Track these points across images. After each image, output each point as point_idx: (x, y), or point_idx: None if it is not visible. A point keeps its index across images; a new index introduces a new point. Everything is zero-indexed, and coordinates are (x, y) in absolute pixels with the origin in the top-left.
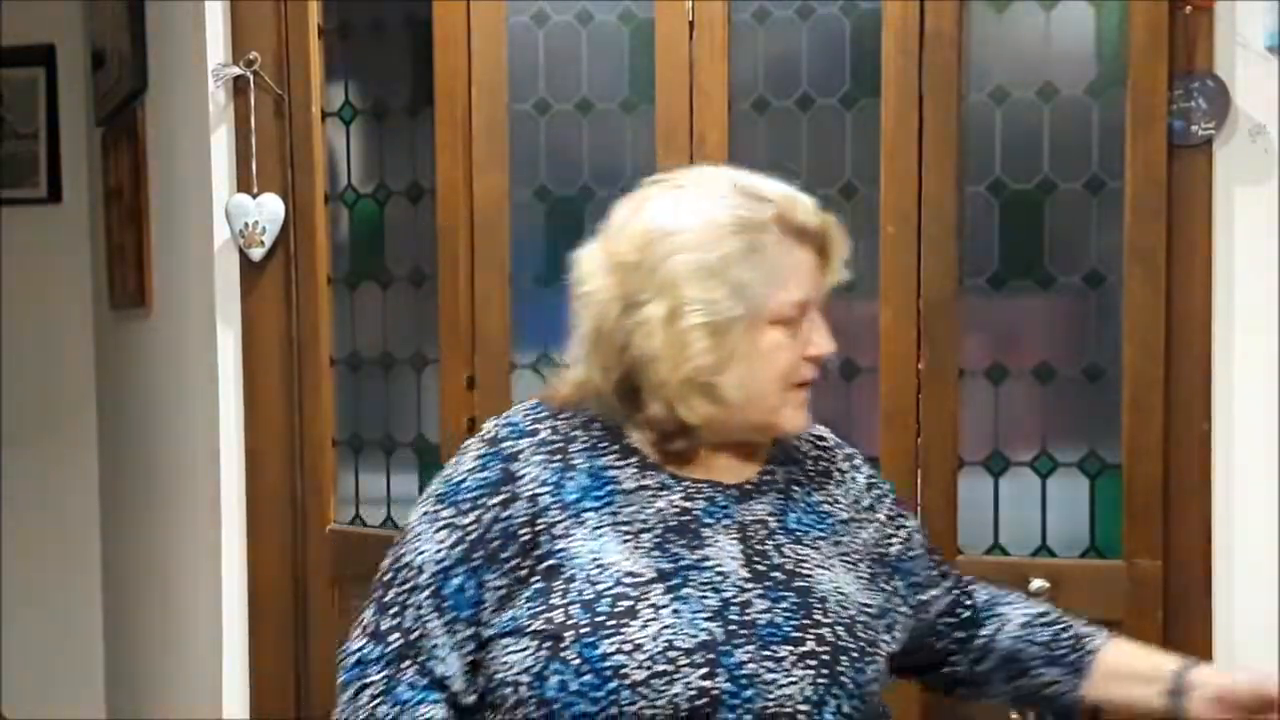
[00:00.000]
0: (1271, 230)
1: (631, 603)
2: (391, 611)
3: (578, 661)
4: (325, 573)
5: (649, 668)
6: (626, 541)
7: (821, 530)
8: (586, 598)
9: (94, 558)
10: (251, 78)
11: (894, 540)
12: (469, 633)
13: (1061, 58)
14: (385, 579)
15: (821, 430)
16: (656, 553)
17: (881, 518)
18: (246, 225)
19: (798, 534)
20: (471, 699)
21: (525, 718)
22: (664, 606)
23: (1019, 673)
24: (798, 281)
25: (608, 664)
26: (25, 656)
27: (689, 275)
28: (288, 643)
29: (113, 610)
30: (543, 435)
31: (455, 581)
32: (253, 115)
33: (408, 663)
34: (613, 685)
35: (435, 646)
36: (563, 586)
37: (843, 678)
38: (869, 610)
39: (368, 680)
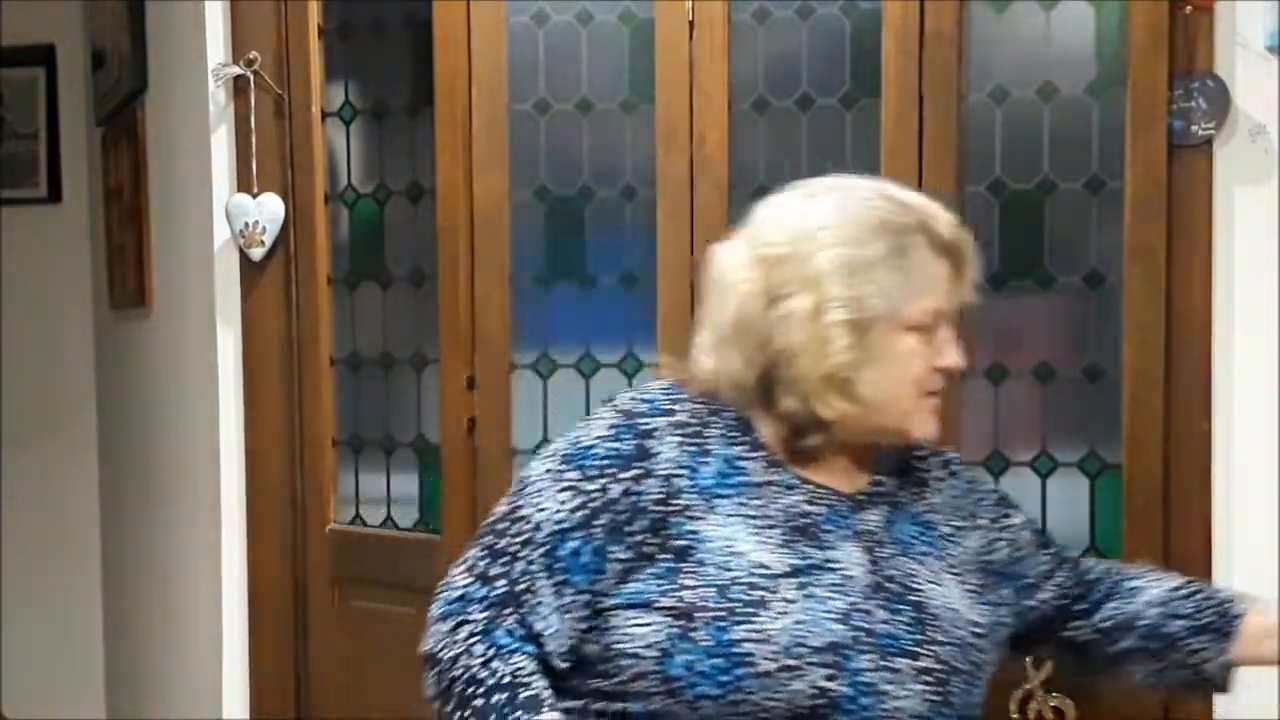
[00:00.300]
0: (1271, 230)
1: (763, 593)
2: (502, 560)
3: (708, 643)
4: (325, 572)
5: (776, 660)
6: (755, 534)
7: (926, 543)
8: (720, 582)
9: (94, 557)
10: (251, 77)
11: (999, 545)
12: (577, 599)
13: (1061, 58)
14: (499, 526)
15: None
16: (784, 549)
17: (985, 522)
18: (247, 225)
19: (905, 546)
20: (563, 664)
21: (643, 691)
22: (794, 602)
23: (1166, 647)
24: (935, 291)
25: (737, 650)
26: (25, 656)
27: (835, 271)
28: (288, 642)
29: (113, 610)
30: (680, 417)
31: (571, 545)
32: (253, 115)
33: (510, 610)
34: (739, 671)
35: (540, 604)
36: (694, 568)
37: (952, 697)
38: (977, 630)
39: (469, 617)
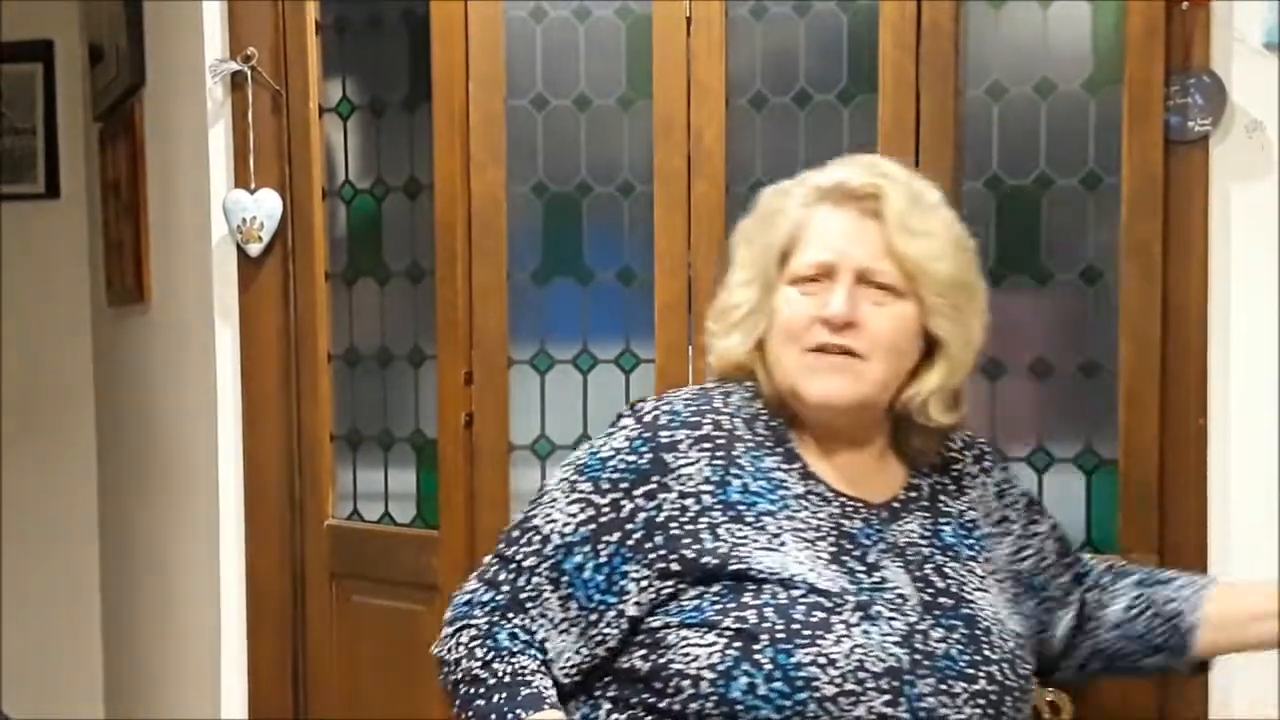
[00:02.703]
0: (1268, 226)
1: (825, 615)
2: (510, 567)
3: (770, 666)
4: (323, 568)
5: (839, 685)
6: (807, 548)
7: (972, 545)
8: (780, 602)
9: (92, 553)
10: (249, 73)
11: (1027, 554)
12: (586, 615)
13: (1058, 54)
14: (512, 534)
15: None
16: (835, 566)
17: (1017, 529)
18: (244, 221)
19: (955, 550)
20: (566, 679)
21: (700, 712)
22: (855, 625)
23: (1130, 668)
24: (821, 244)
25: (801, 674)
26: (23, 653)
27: (737, 239)
28: (285, 637)
29: (111, 606)
30: (705, 430)
31: (576, 560)
32: (250, 111)
33: (513, 614)
34: (802, 696)
35: (544, 614)
36: (754, 589)
37: (1004, 718)
38: (1021, 641)
39: (473, 620)
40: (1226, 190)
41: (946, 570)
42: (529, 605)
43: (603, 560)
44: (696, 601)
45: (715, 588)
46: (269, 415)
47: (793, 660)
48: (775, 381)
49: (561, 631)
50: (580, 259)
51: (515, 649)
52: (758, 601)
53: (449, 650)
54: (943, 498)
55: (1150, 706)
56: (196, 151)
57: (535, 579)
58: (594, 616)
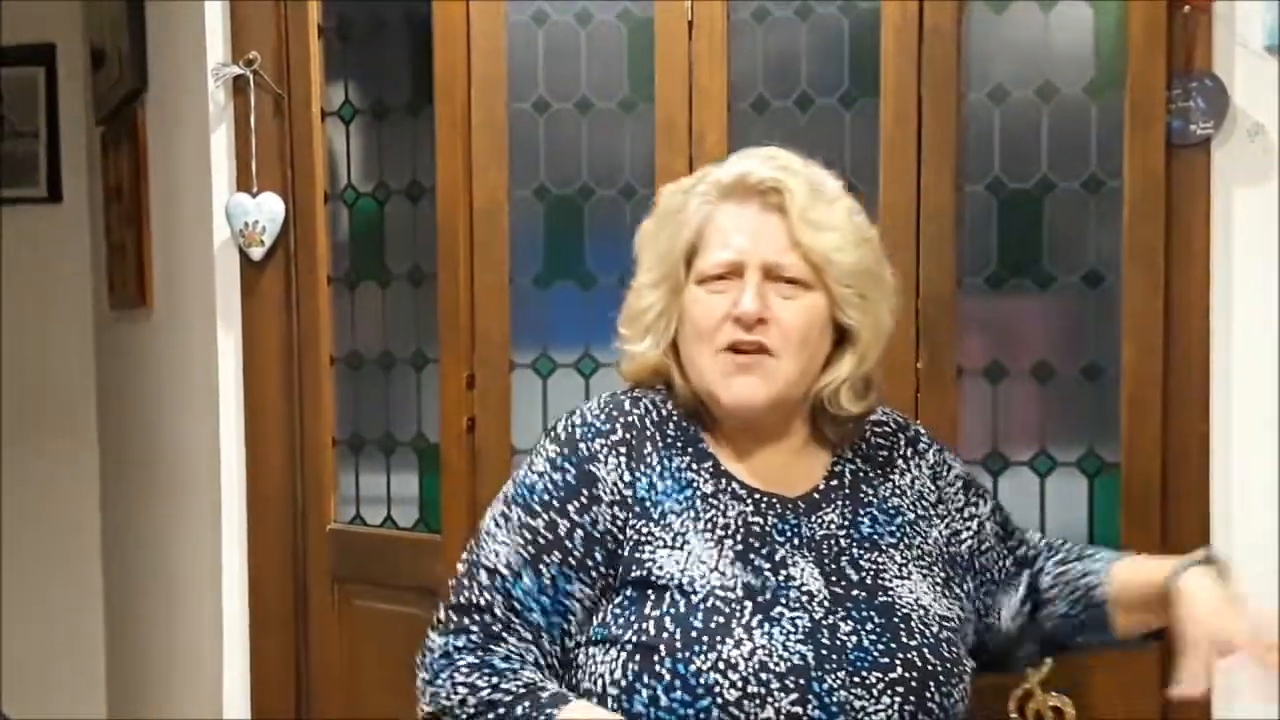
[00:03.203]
0: (1270, 230)
1: (724, 619)
2: (469, 610)
3: (669, 677)
4: (325, 572)
5: (741, 688)
6: (711, 548)
7: (894, 532)
8: (679, 611)
9: (94, 557)
10: (251, 77)
11: (965, 536)
12: (544, 637)
13: (1060, 57)
14: (461, 583)
15: (881, 414)
16: (740, 564)
17: (951, 510)
18: (246, 224)
19: (872, 539)
20: None
21: None
22: (756, 627)
23: (1065, 646)
24: (728, 241)
25: (701, 681)
26: (26, 656)
27: (641, 240)
28: (288, 641)
29: (113, 609)
30: (619, 434)
31: (524, 585)
32: (252, 114)
33: (497, 644)
34: (705, 703)
35: (515, 639)
36: (654, 596)
37: (929, 703)
38: (949, 625)
39: (458, 662)
40: (1228, 194)
41: (862, 561)
42: (505, 634)
43: (546, 582)
44: (603, 615)
45: (618, 599)
46: (271, 419)
47: (692, 668)
48: (691, 383)
49: (529, 646)
50: (582, 263)
51: (516, 667)
52: (657, 612)
53: (447, 696)
54: (864, 485)
55: (1153, 709)
56: (199, 155)
57: (498, 611)
58: (544, 640)
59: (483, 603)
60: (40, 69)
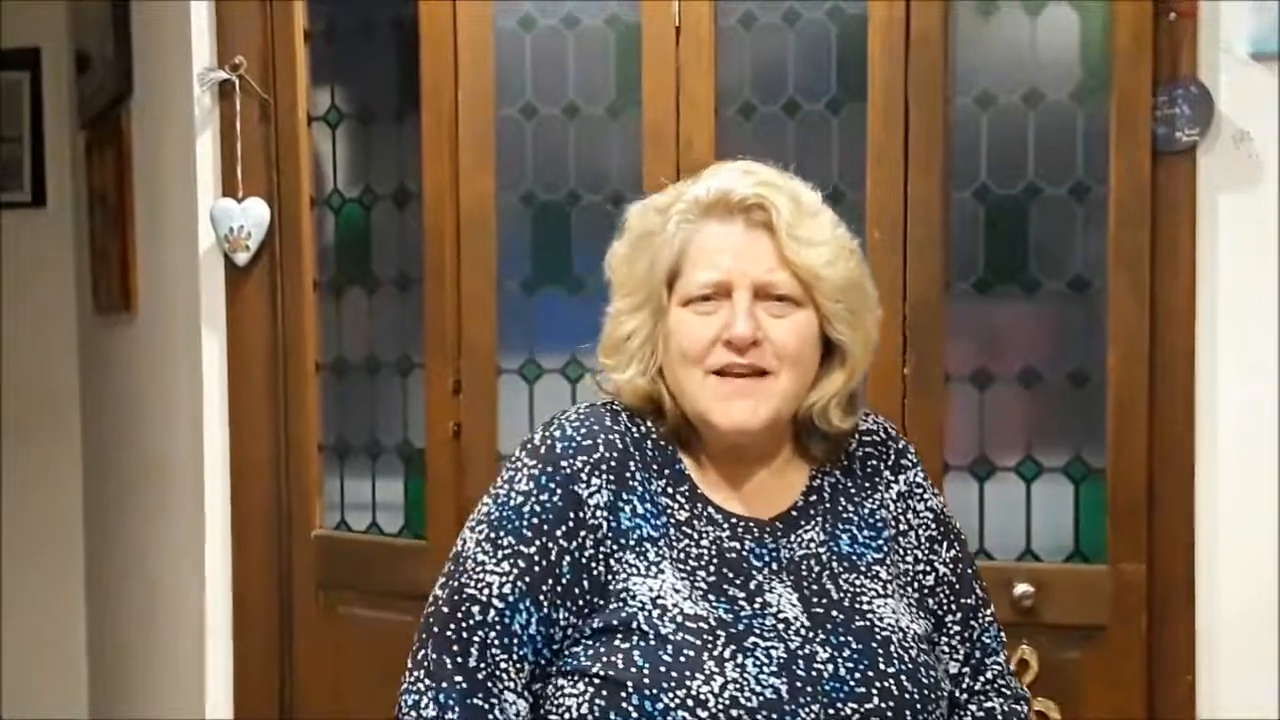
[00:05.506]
0: (1255, 237)
1: (695, 653)
2: (454, 649)
3: (636, 715)
4: (310, 578)
5: None
6: (685, 579)
7: (879, 547)
8: (650, 644)
9: (78, 563)
10: (237, 82)
11: (926, 572)
12: (533, 672)
13: (1047, 63)
14: (444, 612)
15: (873, 422)
16: (714, 595)
17: (921, 541)
18: (232, 230)
19: (852, 559)
20: None
21: None
22: (728, 660)
23: None
24: (714, 261)
25: (669, 719)
26: (9, 662)
27: (615, 265)
28: (272, 648)
29: (97, 616)
30: (600, 452)
31: (521, 619)
32: (238, 119)
33: (478, 702)
34: None
35: (505, 689)
36: (624, 629)
37: None
38: (924, 646)
39: None
40: (1214, 200)
41: (841, 581)
42: (488, 684)
43: (546, 611)
44: (575, 647)
45: (590, 628)
46: (256, 425)
47: (659, 706)
48: (684, 408)
49: (519, 696)
50: (569, 268)
51: None
52: (626, 645)
53: None
54: (843, 500)
55: (1139, 713)
56: (184, 160)
57: (487, 651)
58: (526, 674)
59: (475, 640)
60: (25, 73)
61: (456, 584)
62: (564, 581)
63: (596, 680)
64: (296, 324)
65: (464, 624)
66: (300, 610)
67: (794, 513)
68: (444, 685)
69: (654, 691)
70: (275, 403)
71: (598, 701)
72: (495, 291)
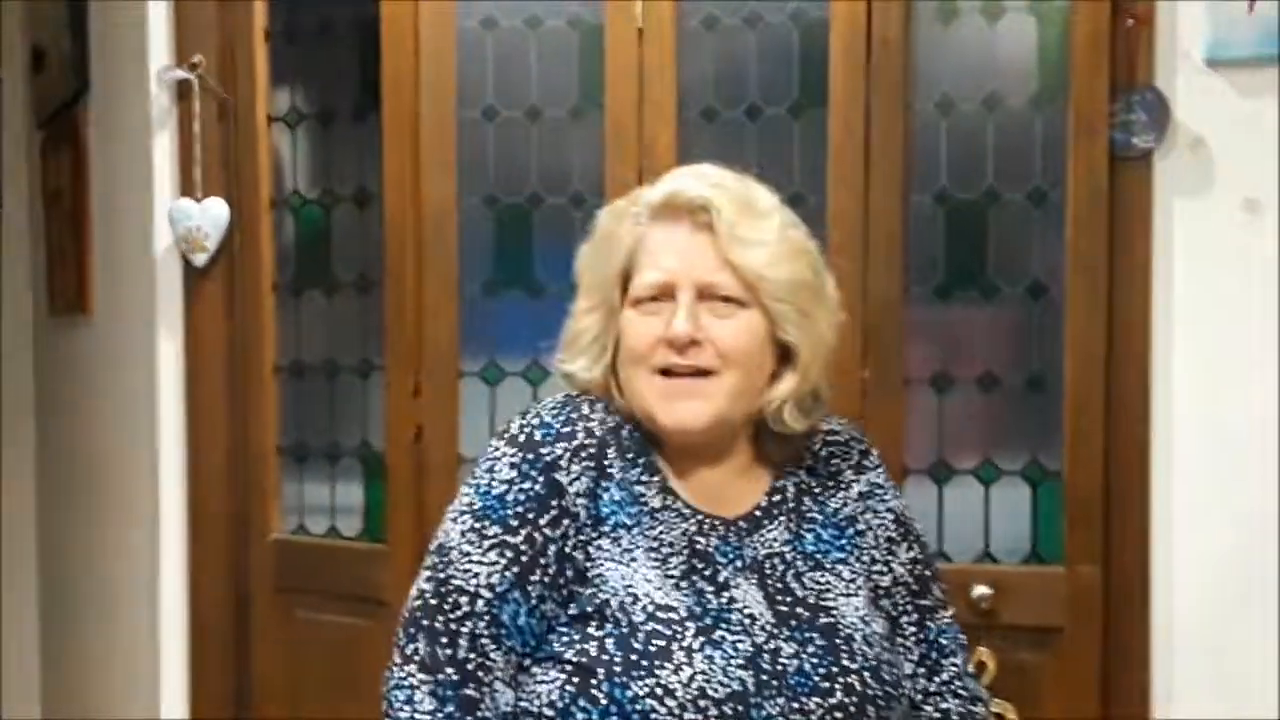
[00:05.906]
0: (1210, 242)
1: (665, 643)
2: (443, 640)
3: (606, 702)
4: (268, 582)
5: (678, 715)
6: (656, 567)
7: (841, 547)
8: (622, 631)
9: (30, 567)
10: (196, 81)
11: (883, 572)
12: (519, 663)
13: (1005, 69)
14: (431, 604)
15: (836, 424)
16: (684, 584)
17: (880, 541)
18: (190, 230)
19: (817, 558)
20: None
21: None
22: (697, 651)
23: None
24: (658, 263)
25: (638, 707)
26: None
27: (581, 265)
28: (229, 652)
29: (50, 621)
30: (579, 439)
31: (510, 609)
32: (197, 119)
33: (470, 692)
34: None
35: (495, 680)
36: (597, 616)
37: None
38: (886, 643)
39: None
40: (1170, 205)
41: (805, 579)
42: (479, 675)
43: (534, 603)
44: (551, 634)
45: (566, 617)
46: (213, 427)
47: (629, 694)
48: (632, 406)
49: (507, 686)
50: (531, 271)
51: None
52: (600, 632)
53: None
54: (808, 500)
55: (1094, 713)
56: (141, 160)
57: (476, 643)
58: (512, 666)
59: (463, 630)
60: None
61: (443, 575)
62: (550, 571)
63: (569, 667)
64: (255, 326)
65: (452, 615)
66: (258, 614)
67: (757, 512)
68: (439, 677)
69: (624, 680)
70: (233, 405)
71: (568, 688)
72: (456, 294)
